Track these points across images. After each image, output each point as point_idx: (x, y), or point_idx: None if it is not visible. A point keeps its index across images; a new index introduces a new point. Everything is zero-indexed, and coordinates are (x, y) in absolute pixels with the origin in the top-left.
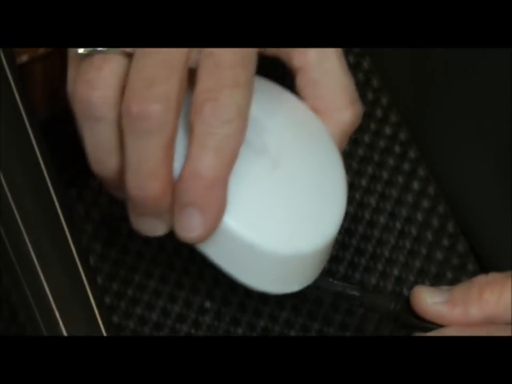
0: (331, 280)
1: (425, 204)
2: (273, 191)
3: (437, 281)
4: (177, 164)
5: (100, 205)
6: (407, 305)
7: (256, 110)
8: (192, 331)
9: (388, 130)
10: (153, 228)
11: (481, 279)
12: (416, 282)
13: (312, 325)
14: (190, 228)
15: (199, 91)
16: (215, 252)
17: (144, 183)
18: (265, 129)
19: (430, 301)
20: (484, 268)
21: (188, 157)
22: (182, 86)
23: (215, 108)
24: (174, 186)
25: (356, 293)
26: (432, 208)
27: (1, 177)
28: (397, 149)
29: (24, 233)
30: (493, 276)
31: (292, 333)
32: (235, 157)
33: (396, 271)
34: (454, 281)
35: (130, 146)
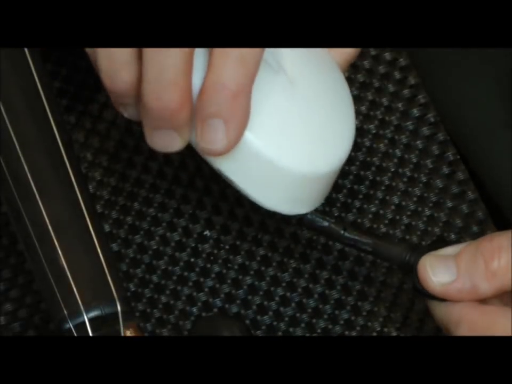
0: (342, 228)
1: (425, 131)
2: (291, 109)
3: (436, 209)
4: (196, 77)
5: (98, 132)
6: (421, 256)
7: None
8: (192, 259)
9: (387, 56)
10: (170, 142)
11: (485, 246)
12: (415, 210)
13: (321, 273)
14: (213, 139)
15: None
16: (231, 168)
17: (163, 93)
18: (279, 52)
19: (436, 280)
20: (484, 195)
21: (210, 68)
22: None
23: None
24: (193, 98)
25: (369, 241)
26: (432, 135)
27: (0, 105)
28: (397, 74)
29: (23, 161)
30: (497, 240)
31: (291, 261)
32: (257, 68)
33: (395, 199)
34: (453, 209)
35: (149, 56)
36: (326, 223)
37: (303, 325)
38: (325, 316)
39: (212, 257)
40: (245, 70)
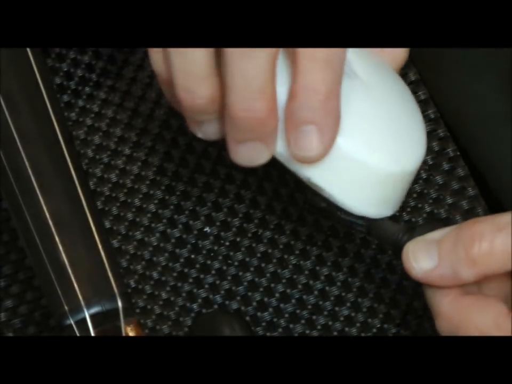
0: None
1: (426, 126)
2: (372, 111)
3: (436, 206)
4: (280, 88)
5: (99, 128)
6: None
7: None
8: (192, 256)
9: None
10: (256, 154)
11: (465, 232)
12: (415, 207)
13: (321, 270)
14: (308, 146)
15: None
16: (322, 175)
17: (251, 103)
18: (351, 58)
19: (417, 267)
20: (484, 191)
21: (297, 72)
22: None
23: None
24: (282, 112)
25: (362, 222)
26: (432, 132)
27: (1, 99)
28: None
29: (24, 157)
30: (478, 226)
31: (292, 257)
32: (343, 69)
33: None
34: (452, 205)
35: (235, 66)
36: (323, 204)
37: (303, 321)
38: (325, 312)
39: (212, 254)
40: (334, 72)
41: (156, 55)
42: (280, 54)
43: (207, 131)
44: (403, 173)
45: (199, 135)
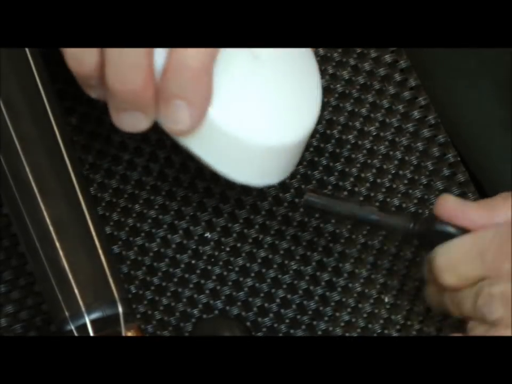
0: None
1: (426, 132)
2: (255, 82)
3: None
4: (158, 59)
5: (100, 134)
6: (426, 223)
7: None
8: (193, 261)
9: (388, 58)
10: (135, 122)
11: (503, 193)
12: (415, 213)
13: (321, 275)
14: (177, 119)
15: None
16: (199, 145)
17: (126, 76)
18: None
19: (457, 203)
20: (484, 196)
21: (172, 50)
22: None
23: None
24: (156, 79)
25: (375, 216)
26: (432, 137)
27: (1, 105)
28: (397, 76)
29: (24, 163)
30: None
31: (292, 263)
32: (217, 51)
33: (396, 201)
34: None
35: None
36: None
37: (303, 326)
38: (326, 318)
39: (212, 259)
40: (207, 49)
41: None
42: None
43: (98, 94)
44: (281, 146)
45: (92, 95)
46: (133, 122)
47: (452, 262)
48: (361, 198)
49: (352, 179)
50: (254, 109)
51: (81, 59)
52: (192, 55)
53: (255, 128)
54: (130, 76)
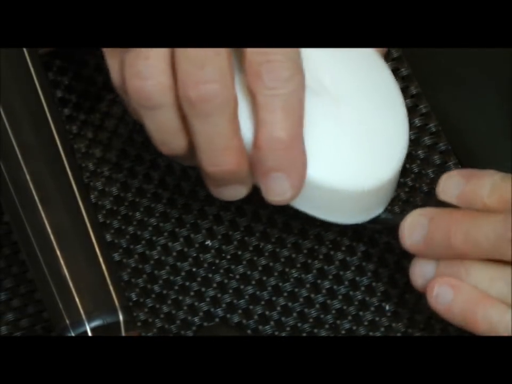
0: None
1: (427, 140)
2: (339, 128)
3: None
4: (245, 132)
5: (100, 142)
6: None
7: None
8: (193, 269)
9: (389, 66)
10: (234, 193)
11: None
12: None
13: (322, 283)
14: (279, 192)
15: (250, 59)
16: (300, 202)
17: (218, 159)
18: (320, 71)
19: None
20: None
21: (259, 125)
22: (231, 60)
23: (273, 69)
24: (250, 154)
25: (388, 216)
26: (433, 145)
27: (2, 112)
28: (398, 84)
29: (25, 170)
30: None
31: (293, 271)
32: (303, 111)
33: (397, 209)
34: None
35: (196, 128)
36: None
37: (304, 334)
38: (327, 326)
39: (213, 267)
40: (293, 118)
41: (112, 66)
42: (242, 94)
43: (190, 163)
44: (374, 186)
45: (184, 164)
46: (232, 193)
47: None
48: None
49: None
50: (343, 156)
51: (169, 144)
52: (280, 128)
53: (347, 176)
54: (222, 159)
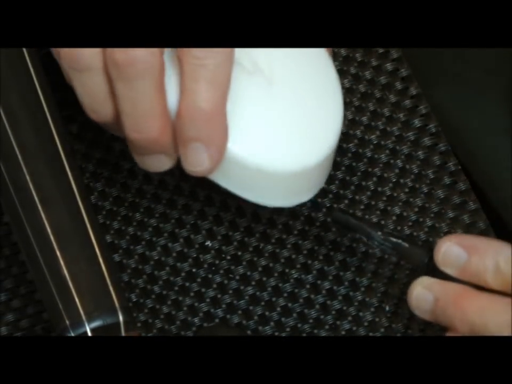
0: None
1: (426, 141)
2: (270, 109)
3: (437, 220)
4: (171, 102)
5: (100, 143)
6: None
7: None
8: (193, 270)
9: (389, 67)
10: (159, 163)
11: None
12: (417, 221)
13: (322, 284)
14: (197, 162)
15: None
16: (223, 178)
17: (141, 125)
18: (255, 51)
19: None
20: (485, 205)
21: (183, 93)
22: None
23: None
24: (172, 123)
25: (402, 243)
26: (433, 146)
27: (2, 112)
28: (398, 85)
29: (25, 171)
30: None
31: (293, 271)
32: (229, 84)
33: (396, 209)
34: (454, 220)
35: (121, 92)
36: (355, 221)
37: (304, 334)
38: (327, 327)
39: (213, 268)
40: (217, 90)
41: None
42: (169, 70)
43: (121, 134)
44: (302, 169)
45: (115, 134)
46: (156, 164)
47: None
48: (374, 218)
49: (353, 187)
50: (272, 136)
51: (98, 111)
52: (203, 98)
53: (275, 156)
54: (146, 124)
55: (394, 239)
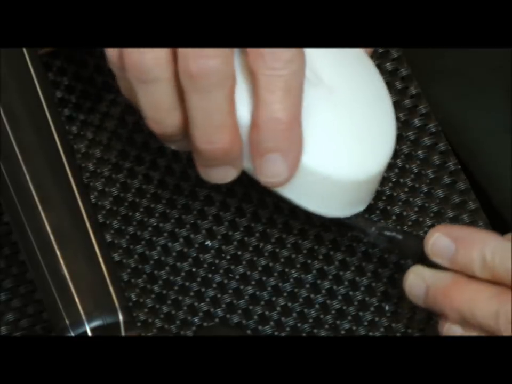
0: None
1: (426, 141)
2: (334, 118)
3: (437, 219)
4: (241, 113)
5: (100, 142)
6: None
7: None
8: (193, 269)
9: (388, 66)
10: (224, 175)
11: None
12: (416, 220)
13: (322, 283)
14: (274, 173)
15: None
16: (290, 189)
17: (213, 137)
18: (315, 64)
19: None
20: (485, 204)
21: (258, 104)
22: None
23: (275, 50)
24: (245, 134)
25: (397, 235)
26: (433, 145)
27: (2, 112)
28: (398, 84)
29: (25, 171)
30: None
31: (293, 271)
32: (302, 93)
33: (396, 209)
34: (454, 219)
35: (194, 103)
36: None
37: (304, 334)
38: (326, 326)
39: (213, 267)
40: (293, 98)
41: (112, 53)
42: (239, 74)
43: (179, 146)
44: (368, 178)
45: (173, 147)
46: (221, 175)
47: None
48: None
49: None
50: (338, 146)
51: (163, 122)
52: (280, 108)
53: (343, 165)
54: (218, 136)
55: (388, 233)
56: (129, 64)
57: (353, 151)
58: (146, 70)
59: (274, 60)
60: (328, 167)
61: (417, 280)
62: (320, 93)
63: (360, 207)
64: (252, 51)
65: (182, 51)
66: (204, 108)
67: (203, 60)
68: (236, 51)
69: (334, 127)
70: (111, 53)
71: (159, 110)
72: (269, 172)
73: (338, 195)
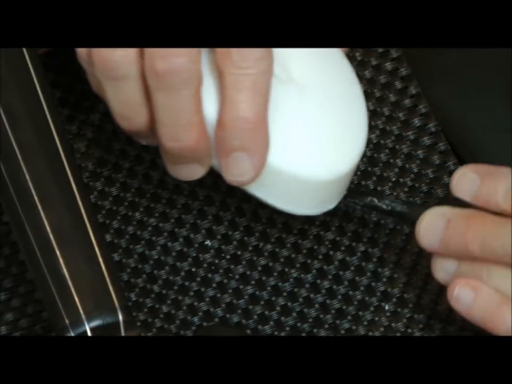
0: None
1: (426, 140)
2: (303, 117)
3: None
4: (208, 111)
5: (100, 142)
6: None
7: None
8: (193, 269)
9: (388, 66)
10: (191, 172)
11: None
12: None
13: (322, 283)
14: (240, 172)
15: None
16: (256, 186)
17: (179, 134)
18: (287, 61)
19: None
20: None
21: (224, 103)
22: None
23: (244, 49)
24: (211, 132)
25: (404, 209)
26: (433, 145)
27: (2, 112)
28: (398, 84)
29: (24, 170)
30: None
31: (292, 271)
32: (269, 91)
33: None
34: None
35: (160, 101)
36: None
37: (304, 334)
38: (326, 326)
39: (213, 267)
40: (260, 98)
41: (81, 49)
42: (208, 73)
43: (149, 142)
44: (336, 178)
45: (143, 143)
46: (189, 172)
47: None
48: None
49: (352, 186)
50: (307, 145)
51: (131, 119)
52: (246, 107)
53: (311, 164)
54: (184, 134)
55: (395, 203)
56: (97, 61)
57: (321, 150)
58: (115, 67)
59: (242, 59)
60: (294, 166)
61: (436, 217)
62: (290, 90)
63: (330, 206)
64: (220, 50)
65: (148, 49)
66: (170, 106)
67: (169, 58)
68: (204, 50)
69: (303, 125)
70: (81, 48)
71: (126, 106)
72: (235, 171)
73: (305, 194)
